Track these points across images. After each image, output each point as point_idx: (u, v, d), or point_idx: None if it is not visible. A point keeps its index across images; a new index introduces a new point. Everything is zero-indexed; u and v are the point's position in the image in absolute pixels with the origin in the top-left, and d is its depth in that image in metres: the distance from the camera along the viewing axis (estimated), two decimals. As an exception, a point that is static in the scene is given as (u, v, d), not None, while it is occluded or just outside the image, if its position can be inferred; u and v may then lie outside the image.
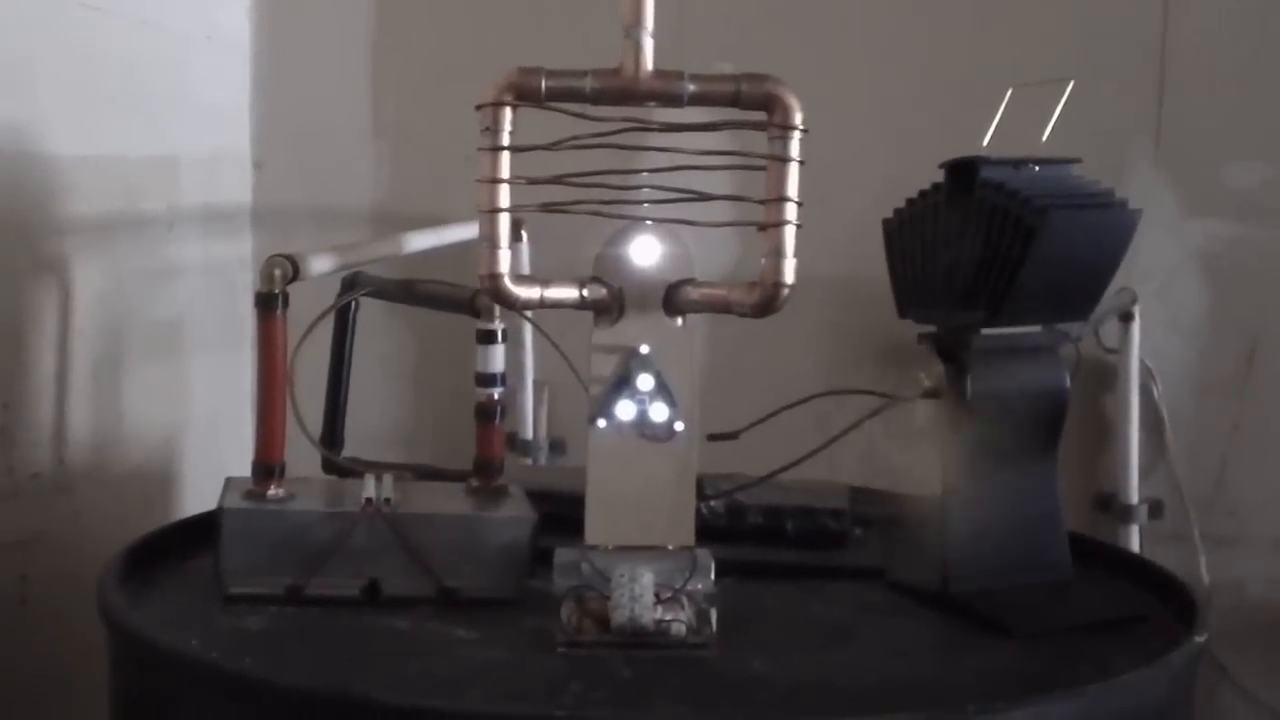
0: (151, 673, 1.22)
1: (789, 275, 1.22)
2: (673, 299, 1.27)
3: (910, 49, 1.94)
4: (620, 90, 1.21)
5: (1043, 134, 1.36)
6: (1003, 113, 1.38)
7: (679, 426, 1.27)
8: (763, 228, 1.22)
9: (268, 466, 1.34)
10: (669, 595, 1.22)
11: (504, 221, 1.22)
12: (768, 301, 1.23)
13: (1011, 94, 1.39)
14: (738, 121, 1.22)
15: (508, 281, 1.23)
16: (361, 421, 1.62)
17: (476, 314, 1.41)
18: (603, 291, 1.27)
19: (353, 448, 1.59)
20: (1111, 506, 1.86)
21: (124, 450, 1.73)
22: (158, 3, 1.88)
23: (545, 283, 1.26)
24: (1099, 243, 1.35)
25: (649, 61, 1.22)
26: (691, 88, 1.22)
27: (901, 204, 1.41)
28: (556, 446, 2.04)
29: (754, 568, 1.43)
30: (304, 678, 1.12)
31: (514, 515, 1.35)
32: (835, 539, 1.52)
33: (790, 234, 1.22)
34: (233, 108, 2.08)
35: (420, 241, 1.60)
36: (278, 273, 1.32)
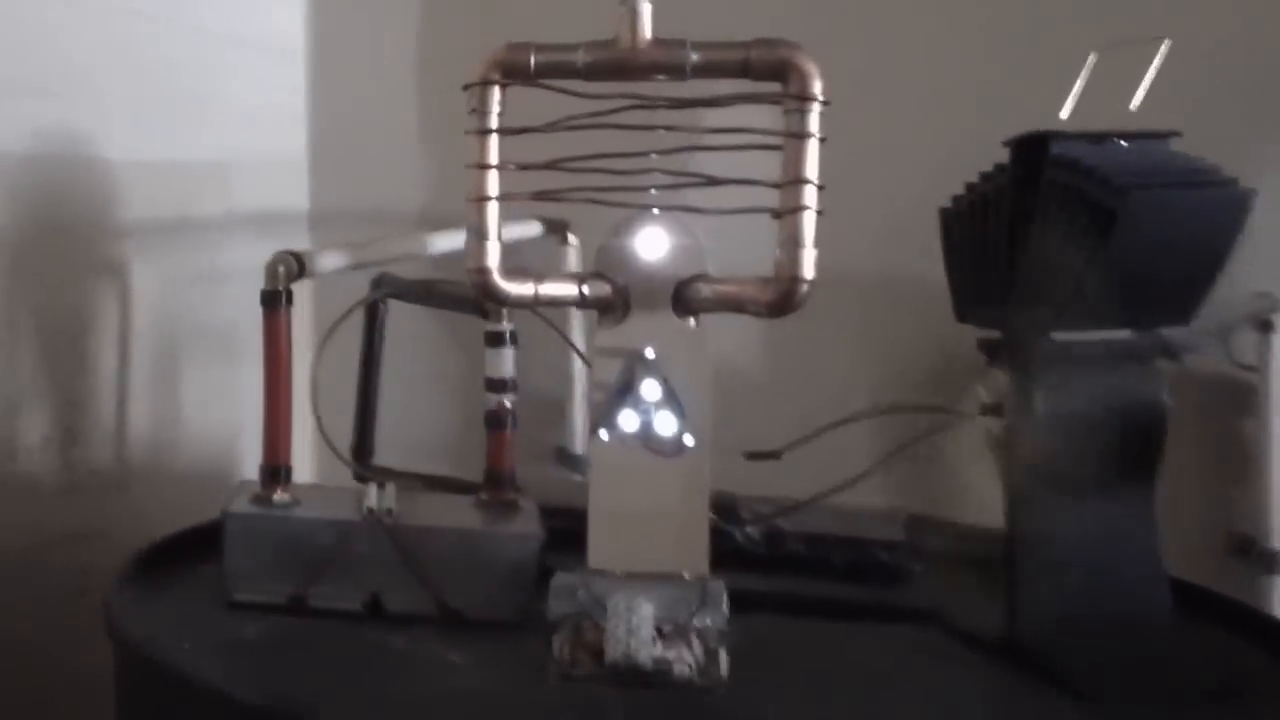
0: (136, 676, 1.18)
1: (808, 269, 1.07)
2: (683, 297, 1.13)
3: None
4: (616, 63, 1.08)
5: (1131, 103, 1.17)
6: (1085, 79, 1.19)
7: (688, 440, 1.13)
8: (777, 215, 1.07)
9: (274, 470, 1.26)
10: (672, 630, 1.08)
11: (492, 211, 1.10)
12: (783, 299, 1.08)
13: (1097, 57, 1.20)
14: (748, 95, 1.07)
15: (497, 277, 1.11)
16: (410, 431, 1.53)
17: (484, 314, 1.29)
18: (605, 288, 1.13)
19: (398, 457, 1.50)
20: (1250, 551, 1.56)
21: (181, 450, 1.68)
22: (213, 9, 1.84)
23: (541, 278, 1.13)
24: (1199, 230, 1.15)
25: (647, 30, 1.08)
26: (694, 57, 1.07)
27: (962, 189, 1.23)
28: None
29: (792, 602, 1.28)
30: (259, 694, 1.05)
31: (518, 532, 1.23)
32: (888, 574, 1.34)
33: (809, 221, 1.06)
34: (287, 112, 2.04)
35: (442, 241, 1.48)
36: (281, 269, 1.24)
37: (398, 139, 2.03)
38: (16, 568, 1.41)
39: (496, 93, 1.09)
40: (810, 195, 1.06)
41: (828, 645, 1.23)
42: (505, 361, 1.30)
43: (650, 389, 1.12)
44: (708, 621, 1.10)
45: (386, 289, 1.45)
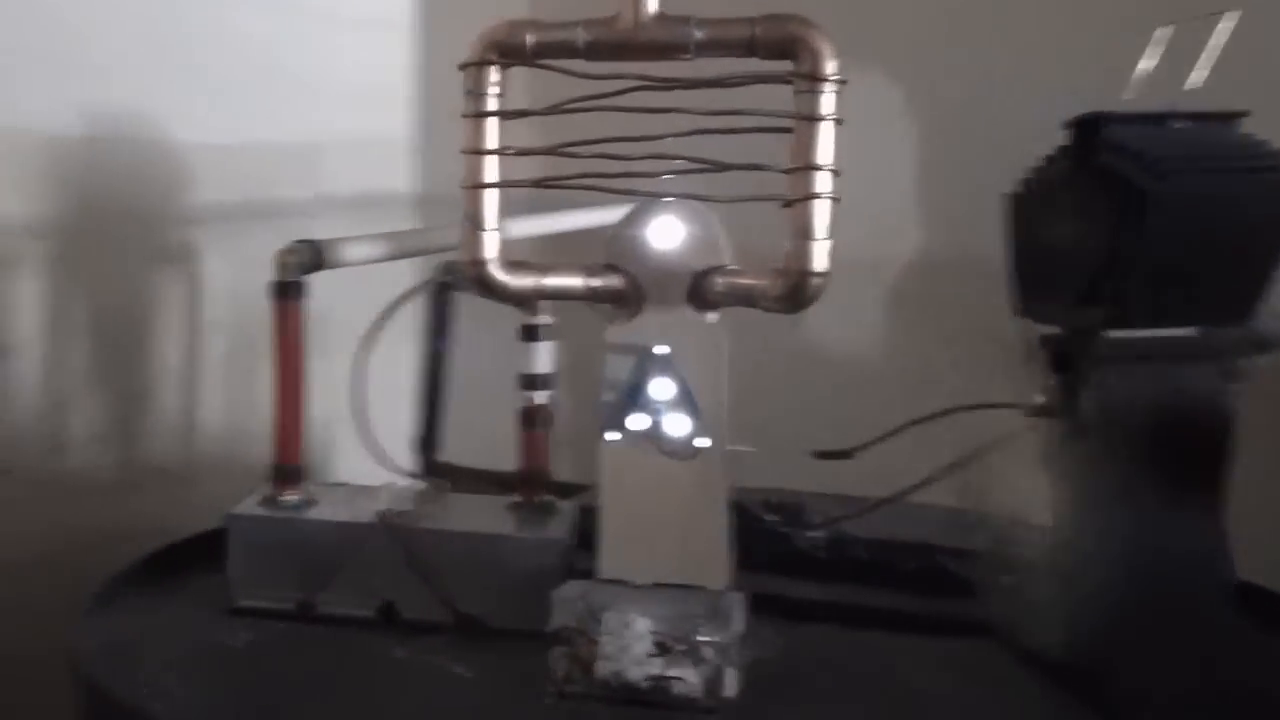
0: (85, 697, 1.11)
1: (818, 261, 0.99)
2: (699, 290, 1.06)
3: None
4: (617, 42, 1.02)
5: (1189, 81, 1.07)
6: (1152, 57, 1.09)
7: (701, 443, 1.06)
8: (787, 203, 0.99)
9: (284, 469, 1.21)
10: (681, 647, 1.02)
11: (490, 199, 1.05)
12: (793, 293, 1.01)
13: (1166, 32, 1.09)
14: (754, 75, 1.00)
15: (494, 269, 1.05)
16: (480, 426, 1.47)
17: (519, 305, 1.23)
18: (617, 281, 1.07)
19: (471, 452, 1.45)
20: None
21: (257, 444, 1.64)
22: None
23: (545, 270, 1.07)
24: (1250, 218, 1.04)
25: (651, 5, 1.01)
26: (698, 34, 1.00)
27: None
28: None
29: (847, 613, 1.21)
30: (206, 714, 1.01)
31: (542, 537, 1.17)
32: (957, 585, 1.24)
33: (821, 211, 0.99)
34: (390, 90, 1.98)
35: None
36: (292, 260, 1.19)
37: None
38: (67, 569, 1.39)
39: (493, 73, 1.03)
40: (823, 182, 0.98)
41: (867, 661, 1.14)
42: (540, 357, 1.23)
43: (661, 388, 1.06)
44: (716, 637, 1.03)
45: (451, 275, 1.40)
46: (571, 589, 1.06)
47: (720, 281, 1.05)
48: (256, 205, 1.70)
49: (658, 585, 1.07)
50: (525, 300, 1.07)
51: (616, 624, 1.01)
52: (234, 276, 1.67)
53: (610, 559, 1.08)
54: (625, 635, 1.01)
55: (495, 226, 1.04)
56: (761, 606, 1.12)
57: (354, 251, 1.25)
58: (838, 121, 0.98)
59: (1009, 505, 1.13)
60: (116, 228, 1.56)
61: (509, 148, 1.04)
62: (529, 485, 1.24)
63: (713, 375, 1.06)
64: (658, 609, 1.03)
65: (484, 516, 1.21)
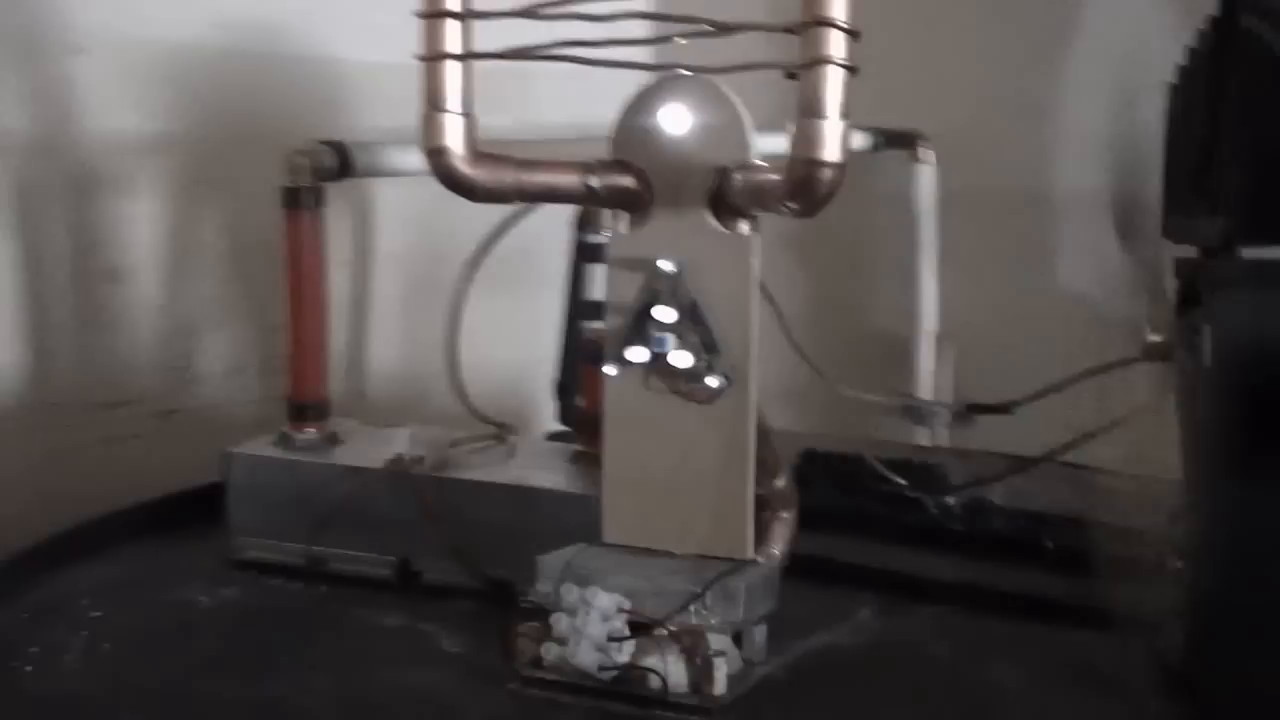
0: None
1: (830, 148, 0.77)
2: (719, 191, 0.85)
3: None
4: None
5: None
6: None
7: (713, 381, 0.85)
8: (791, 73, 0.77)
9: (299, 405, 1.07)
10: (663, 632, 0.82)
11: (452, 72, 0.86)
12: (799, 187, 0.79)
13: None
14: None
15: (460, 160, 0.87)
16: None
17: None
18: (623, 179, 0.87)
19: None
20: None
21: (428, 385, 1.49)
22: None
23: (530, 165, 0.88)
24: None
25: None
26: None
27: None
28: (962, 417, 1.56)
29: (970, 594, 0.99)
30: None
31: (580, 492, 0.97)
32: (1108, 568, 0.98)
33: (833, 80, 0.76)
34: None
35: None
36: (304, 162, 1.04)
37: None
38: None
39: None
40: (835, 43, 0.76)
41: (952, 651, 0.92)
42: (601, 280, 1.04)
43: (665, 313, 0.86)
44: (713, 620, 0.82)
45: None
46: (560, 554, 0.87)
47: (739, 179, 0.84)
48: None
49: (664, 554, 0.87)
50: (500, 200, 0.88)
51: (575, 599, 0.82)
52: (421, 207, 1.53)
53: (613, 520, 0.89)
54: (583, 613, 0.81)
55: (460, 108, 0.86)
56: (873, 582, 0.99)
57: (396, 159, 1.09)
58: (855, -36, 0.75)
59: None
60: (260, 149, 1.45)
61: (477, 11, 0.85)
62: (593, 431, 1.05)
63: (736, 300, 0.85)
64: (644, 583, 0.83)
65: (529, 466, 1.04)
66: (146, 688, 0.86)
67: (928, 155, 1.58)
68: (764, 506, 0.91)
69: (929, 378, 1.56)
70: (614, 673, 0.81)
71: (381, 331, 1.56)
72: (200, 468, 1.14)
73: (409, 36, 0.86)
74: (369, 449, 1.04)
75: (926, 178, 1.58)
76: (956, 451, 1.17)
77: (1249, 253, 0.77)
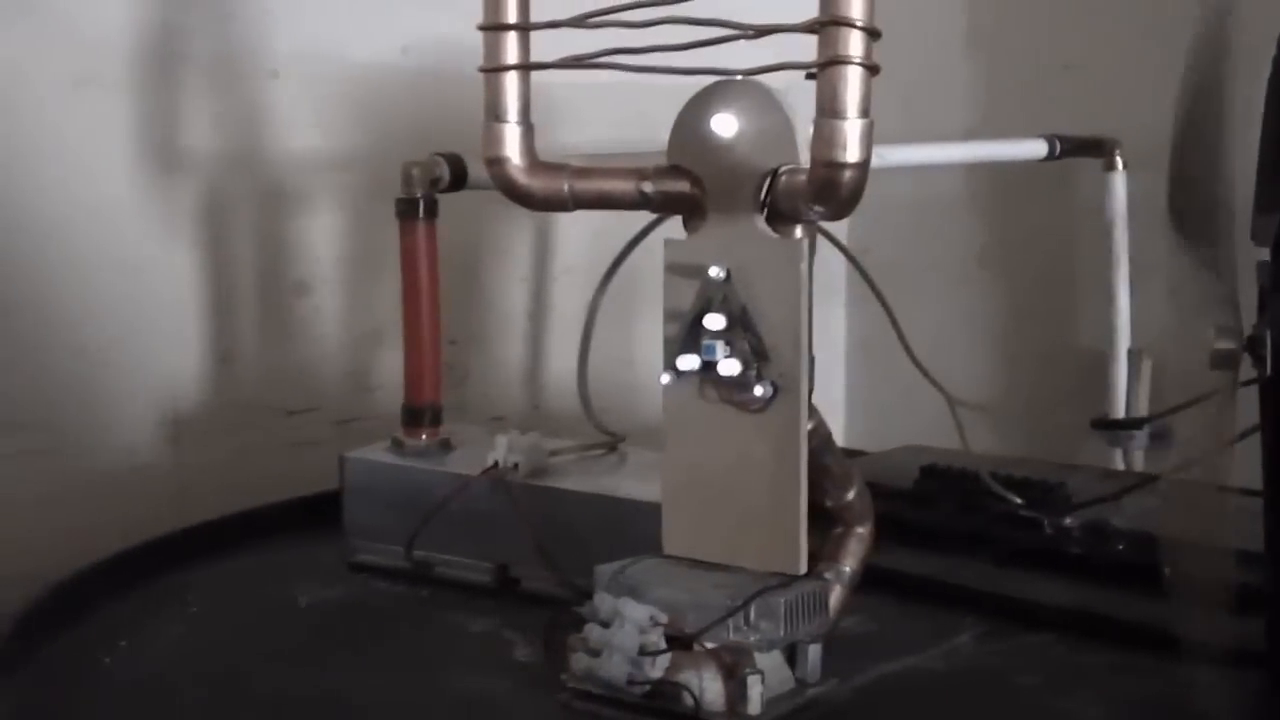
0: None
1: (851, 149, 0.74)
2: (768, 196, 0.83)
3: None
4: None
5: None
6: None
7: (760, 391, 0.83)
8: (811, 72, 0.75)
9: (414, 410, 1.09)
10: (701, 648, 0.80)
11: (511, 83, 0.87)
12: (821, 190, 0.76)
13: None
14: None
15: (515, 170, 0.87)
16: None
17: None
18: (678, 185, 0.86)
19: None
20: None
21: (618, 400, 1.50)
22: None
23: (585, 173, 0.88)
24: None
25: None
26: None
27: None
28: (1160, 436, 1.47)
29: (1079, 622, 0.94)
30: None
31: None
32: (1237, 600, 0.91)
33: (854, 80, 0.74)
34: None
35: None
36: (415, 173, 1.07)
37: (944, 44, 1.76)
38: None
39: (513, -64, 0.86)
40: (854, 43, 0.73)
41: (1051, 683, 0.88)
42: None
43: (714, 320, 0.84)
44: (752, 638, 0.80)
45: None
46: (617, 565, 0.86)
47: (786, 183, 0.82)
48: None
49: (720, 567, 0.85)
50: (558, 208, 0.88)
51: (609, 609, 0.81)
52: (578, 220, 1.55)
53: (672, 531, 0.88)
54: (617, 624, 0.80)
55: (518, 118, 0.86)
56: (979, 605, 0.96)
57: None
58: (875, -40, 0.73)
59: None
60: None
61: (537, 22, 0.86)
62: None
63: (786, 306, 0.83)
64: (685, 596, 0.82)
65: (630, 476, 1.04)
66: (213, 674, 0.89)
67: (1119, 163, 1.50)
68: (837, 521, 0.89)
69: (1124, 395, 1.48)
70: (645, 687, 0.79)
71: (558, 346, 1.58)
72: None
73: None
74: (477, 455, 1.06)
75: (1119, 186, 1.50)
76: (1101, 471, 1.11)
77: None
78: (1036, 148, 1.46)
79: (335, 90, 1.41)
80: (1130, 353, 1.47)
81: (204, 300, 1.37)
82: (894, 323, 1.07)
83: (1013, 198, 1.68)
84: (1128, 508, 1.04)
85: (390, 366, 1.47)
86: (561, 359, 1.58)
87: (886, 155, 1.34)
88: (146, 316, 1.33)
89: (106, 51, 1.27)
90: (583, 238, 1.57)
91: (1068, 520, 1.03)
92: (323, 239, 1.44)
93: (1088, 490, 1.06)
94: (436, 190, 1.06)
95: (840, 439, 1.57)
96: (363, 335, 1.47)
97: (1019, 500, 1.05)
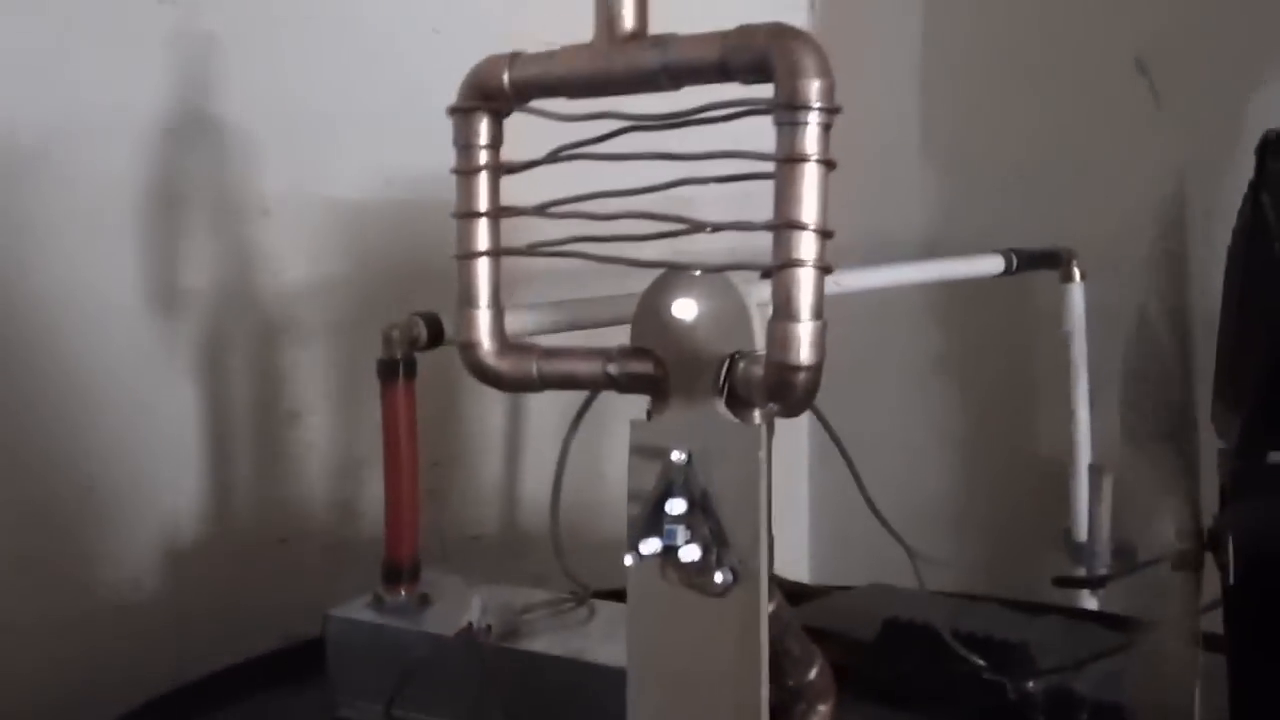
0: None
1: (804, 353, 0.75)
2: (726, 381, 0.83)
3: None
4: (590, 74, 0.82)
5: None
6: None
7: (720, 578, 0.83)
8: (766, 272, 0.76)
9: (394, 567, 1.09)
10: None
11: (483, 269, 0.87)
12: (776, 391, 0.77)
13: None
14: (729, 103, 0.77)
15: (485, 354, 0.88)
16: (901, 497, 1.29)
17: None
18: (642, 366, 0.86)
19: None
20: None
21: (599, 517, 1.51)
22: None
23: (551, 355, 0.88)
24: None
25: (627, 23, 0.81)
26: (663, 58, 0.78)
27: None
28: (1123, 553, 1.46)
29: None
30: None
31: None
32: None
33: (807, 282, 0.74)
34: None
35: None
36: (395, 334, 1.08)
37: (900, 160, 1.76)
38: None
39: (483, 121, 0.86)
40: (808, 246, 0.74)
41: None
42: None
43: (675, 505, 0.84)
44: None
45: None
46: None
47: (744, 370, 0.82)
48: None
49: (681, 751, 0.85)
50: (527, 389, 0.88)
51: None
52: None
53: (637, 711, 0.87)
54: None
55: (489, 303, 0.87)
56: None
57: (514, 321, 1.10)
58: (827, 164, 0.73)
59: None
60: (423, 288, 1.50)
61: (495, 209, 0.87)
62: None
63: (745, 493, 0.83)
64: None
65: (598, 635, 1.04)
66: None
67: (1077, 274, 1.50)
68: (799, 699, 0.88)
69: (1085, 512, 1.47)
70: None
71: (533, 463, 1.59)
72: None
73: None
74: (454, 613, 1.06)
75: (1076, 298, 1.50)
76: (1065, 622, 1.10)
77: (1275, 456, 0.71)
78: (993, 264, 1.47)
79: (323, 224, 1.43)
80: (1091, 468, 1.47)
81: (203, 434, 1.39)
82: (855, 476, 1.07)
83: (971, 306, 1.68)
84: (1093, 669, 1.03)
85: (374, 493, 1.48)
86: (536, 478, 1.59)
87: (844, 281, 1.36)
88: (149, 452, 1.36)
89: (113, 196, 1.30)
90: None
91: (1030, 684, 1.02)
92: (312, 369, 1.45)
93: (1052, 647, 1.05)
94: (415, 349, 1.07)
95: (804, 574, 1.59)
96: (349, 462, 1.48)
97: (981, 662, 1.05)
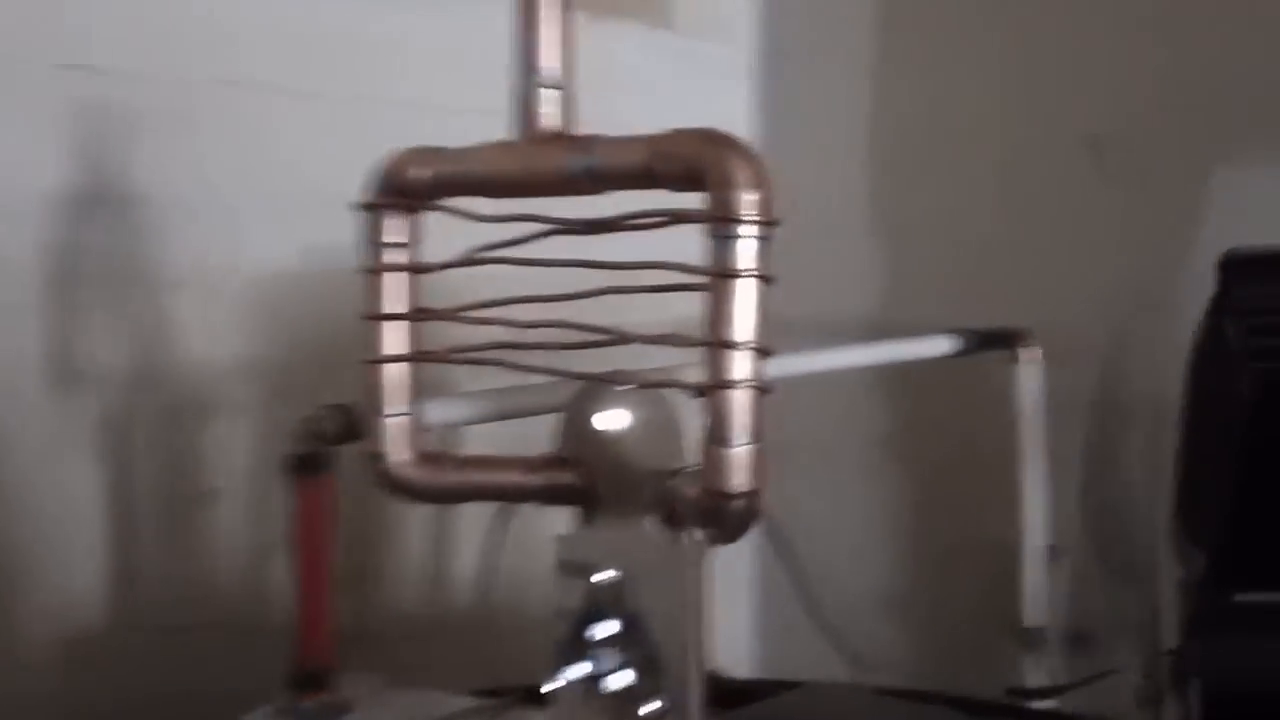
0: None
1: (738, 479, 0.70)
2: (658, 498, 0.79)
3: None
4: (509, 175, 0.77)
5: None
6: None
7: (652, 706, 0.78)
8: (699, 392, 0.71)
9: (304, 674, 1.03)
10: None
11: (391, 376, 0.82)
12: (709, 517, 0.72)
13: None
14: (660, 213, 0.72)
15: (395, 466, 0.82)
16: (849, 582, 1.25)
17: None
18: (566, 477, 0.81)
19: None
20: None
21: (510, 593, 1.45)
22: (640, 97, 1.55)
23: (468, 465, 0.83)
24: None
25: (550, 120, 0.76)
26: (586, 162, 0.74)
27: None
28: (1079, 642, 1.42)
29: None
30: None
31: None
32: None
33: (742, 404, 0.70)
34: None
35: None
36: (312, 429, 1.02)
37: (847, 236, 1.73)
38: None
39: (393, 218, 0.81)
40: (742, 365, 0.69)
41: None
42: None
43: (603, 628, 0.79)
44: None
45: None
46: None
47: (677, 488, 0.77)
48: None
49: None
50: (445, 501, 0.83)
51: None
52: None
53: (566, 845, 0.82)
54: None
55: (402, 409, 0.82)
56: None
57: (439, 412, 1.04)
58: (764, 279, 0.69)
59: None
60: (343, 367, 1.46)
61: (426, 310, 0.82)
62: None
63: (679, 616, 0.78)
64: None
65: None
66: None
67: (1030, 355, 1.46)
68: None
69: (1037, 598, 1.43)
70: None
71: (466, 540, 1.54)
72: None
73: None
74: (372, 722, 1.00)
75: (1029, 379, 1.46)
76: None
77: (1243, 600, 0.67)
78: (944, 344, 1.43)
79: (238, 298, 1.37)
80: (1050, 549, 1.43)
81: (106, 516, 1.32)
82: (797, 577, 1.03)
83: (920, 384, 1.65)
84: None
85: (286, 578, 1.43)
86: (464, 555, 1.53)
87: (789, 365, 1.31)
88: (46, 536, 1.29)
89: (13, 273, 1.24)
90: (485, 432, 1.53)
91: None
92: (226, 448, 1.39)
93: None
94: (325, 444, 1.01)
95: (749, 661, 1.54)
96: (262, 545, 1.41)
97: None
